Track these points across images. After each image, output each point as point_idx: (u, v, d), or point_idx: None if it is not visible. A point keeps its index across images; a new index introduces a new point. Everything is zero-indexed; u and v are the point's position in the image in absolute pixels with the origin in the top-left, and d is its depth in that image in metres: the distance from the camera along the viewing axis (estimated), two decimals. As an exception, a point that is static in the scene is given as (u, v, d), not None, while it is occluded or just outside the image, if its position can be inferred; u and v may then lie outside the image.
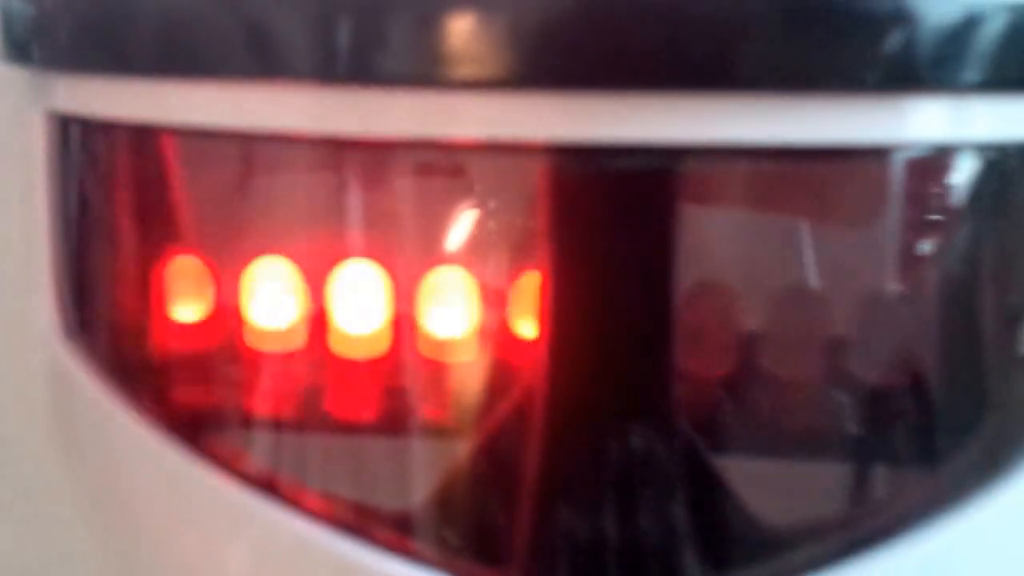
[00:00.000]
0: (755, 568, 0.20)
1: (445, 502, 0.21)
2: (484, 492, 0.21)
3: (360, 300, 0.24)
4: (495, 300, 0.22)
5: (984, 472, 0.21)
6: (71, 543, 0.27)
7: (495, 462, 0.21)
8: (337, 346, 0.24)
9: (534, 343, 0.20)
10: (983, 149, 0.21)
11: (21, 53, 0.24)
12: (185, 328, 0.25)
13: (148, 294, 0.24)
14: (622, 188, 0.19)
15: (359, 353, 0.24)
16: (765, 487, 0.21)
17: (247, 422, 0.22)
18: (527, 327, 0.21)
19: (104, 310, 0.24)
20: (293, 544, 0.20)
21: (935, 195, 0.22)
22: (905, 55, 0.19)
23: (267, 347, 0.24)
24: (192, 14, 0.20)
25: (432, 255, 0.23)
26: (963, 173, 0.22)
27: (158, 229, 0.25)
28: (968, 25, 0.19)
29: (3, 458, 0.27)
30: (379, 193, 0.21)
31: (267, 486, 0.21)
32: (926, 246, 0.22)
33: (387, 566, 0.20)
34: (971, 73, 0.19)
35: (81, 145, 0.24)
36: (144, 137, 0.23)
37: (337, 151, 0.21)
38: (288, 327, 0.24)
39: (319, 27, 0.19)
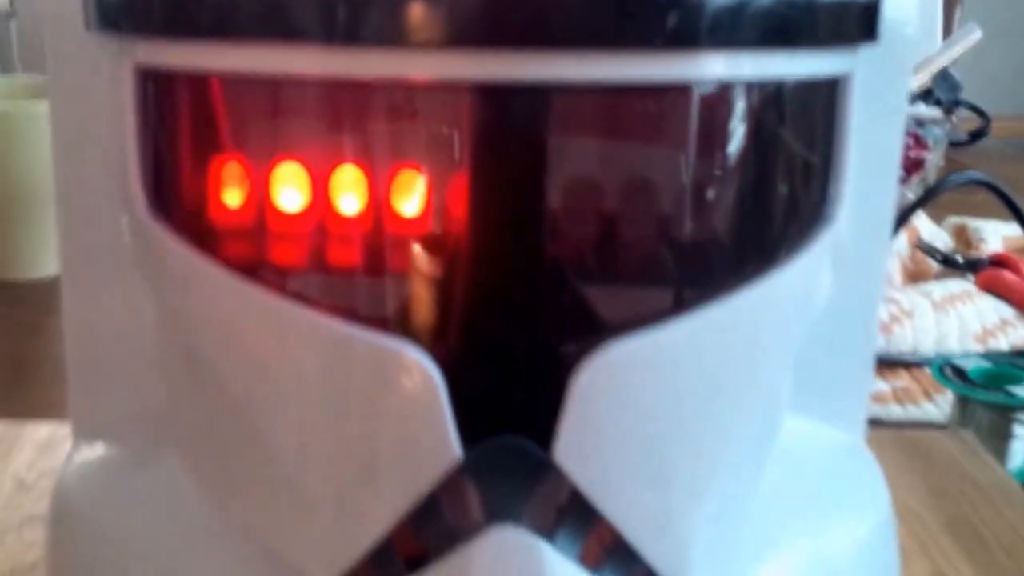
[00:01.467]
0: (599, 334, 0.32)
1: (409, 306, 0.33)
2: (430, 301, 0.33)
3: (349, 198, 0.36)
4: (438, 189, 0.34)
5: (739, 279, 0.33)
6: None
7: (440, 288, 0.32)
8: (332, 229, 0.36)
9: (461, 215, 0.32)
10: (751, 85, 0.33)
11: (113, 24, 0.35)
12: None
13: (204, 182, 0.35)
14: (514, 111, 0.31)
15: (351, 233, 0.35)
16: (609, 289, 0.33)
17: (284, 270, 0.34)
18: (456, 205, 0.33)
19: (174, 192, 0.36)
20: (317, 332, 0.32)
21: (721, 115, 0.33)
22: (690, 23, 0.30)
23: (285, 229, 0.35)
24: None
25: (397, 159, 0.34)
26: (739, 101, 0.33)
27: (207, 139, 0.36)
28: (734, 5, 0.30)
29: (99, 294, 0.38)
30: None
31: (300, 300, 0.32)
32: (716, 150, 0.34)
33: (374, 338, 0.32)
34: (739, 35, 0.31)
35: (157, 88, 0.35)
36: (199, 80, 0.34)
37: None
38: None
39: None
